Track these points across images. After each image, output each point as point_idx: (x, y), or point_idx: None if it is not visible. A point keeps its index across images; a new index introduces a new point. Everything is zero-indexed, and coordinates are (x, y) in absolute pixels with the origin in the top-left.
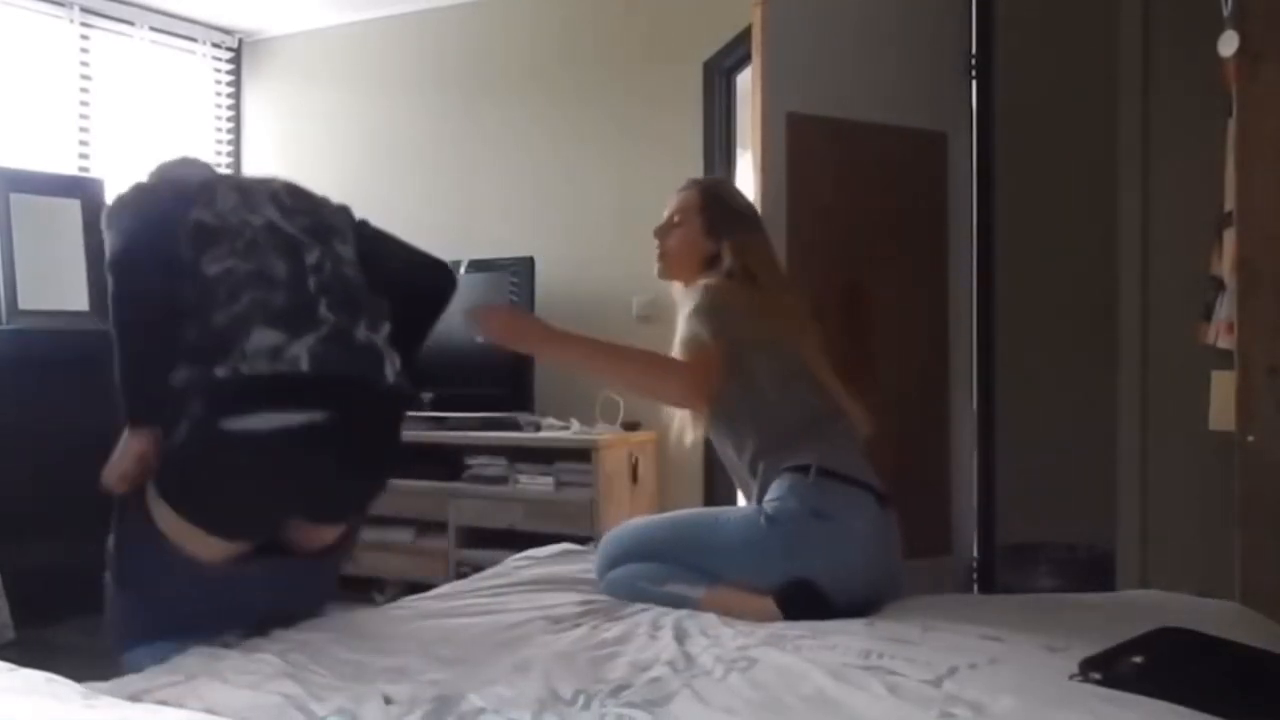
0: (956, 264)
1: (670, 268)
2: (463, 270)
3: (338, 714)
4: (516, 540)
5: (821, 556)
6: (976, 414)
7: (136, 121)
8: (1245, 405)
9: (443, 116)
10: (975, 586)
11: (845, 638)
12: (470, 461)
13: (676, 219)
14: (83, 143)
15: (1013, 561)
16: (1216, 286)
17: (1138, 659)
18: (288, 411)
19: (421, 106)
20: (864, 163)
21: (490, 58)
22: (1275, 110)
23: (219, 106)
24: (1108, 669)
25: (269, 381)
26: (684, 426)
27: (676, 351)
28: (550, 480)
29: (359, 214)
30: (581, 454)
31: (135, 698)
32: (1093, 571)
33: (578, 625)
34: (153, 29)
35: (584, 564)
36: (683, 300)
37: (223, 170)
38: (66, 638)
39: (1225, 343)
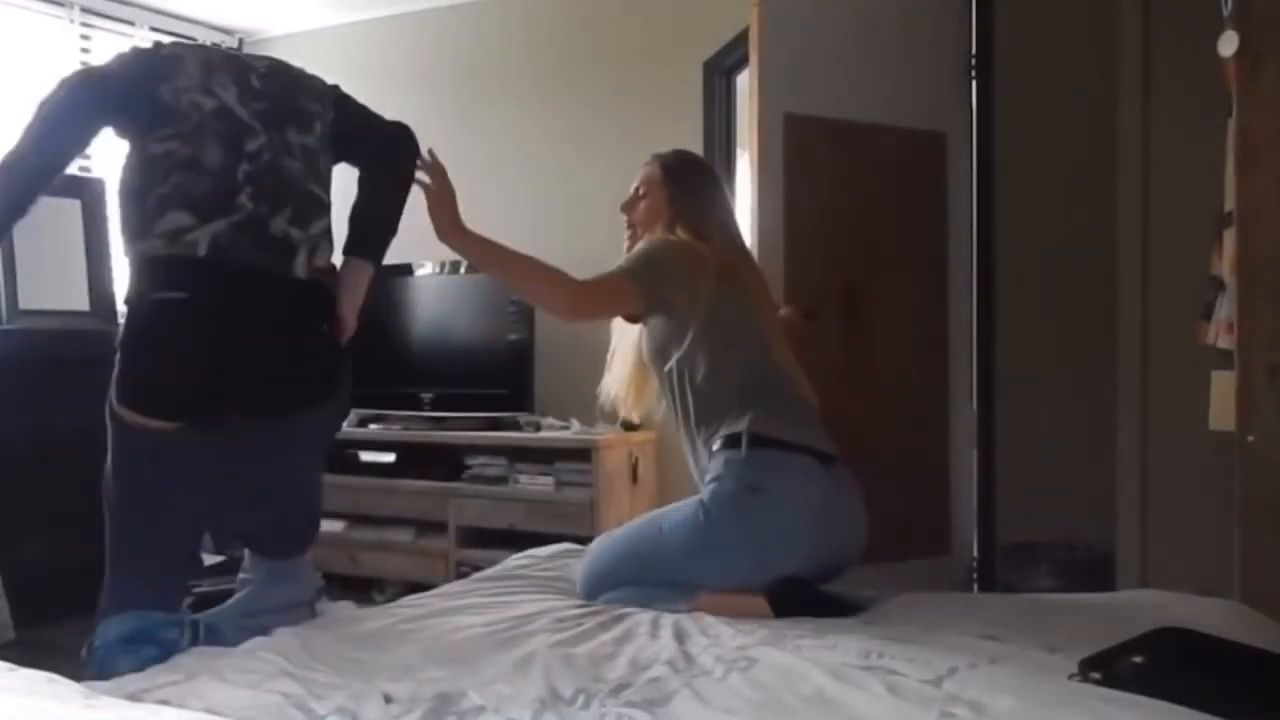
0: (956, 264)
1: (638, 240)
2: (462, 270)
3: (338, 713)
4: (517, 540)
5: (771, 526)
6: (976, 414)
7: None
8: (1245, 405)
9: (442, 116)
10: (975, 586)
11: (845, 637)
12: (470, 461)
13: (641, 191)
14: None
15: (1013, 561)
16: (1216, 286)
17: (1137, 659)
18: (174, 291)
19: (421, 106)
20: (863, 164)
21: (489, 58)
22: (1275, 110)
23: None
24: (1107, 669)
25: (164, 262)
26: (620, 398)
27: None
28: (550, 480)
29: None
30: (582, 454)
31: (135, 697)
32: (1093, 571)
33: (578, 625)
34: (153, 29)
35: None
36: None
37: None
38: (66, 638)
39: (1225, 343)
